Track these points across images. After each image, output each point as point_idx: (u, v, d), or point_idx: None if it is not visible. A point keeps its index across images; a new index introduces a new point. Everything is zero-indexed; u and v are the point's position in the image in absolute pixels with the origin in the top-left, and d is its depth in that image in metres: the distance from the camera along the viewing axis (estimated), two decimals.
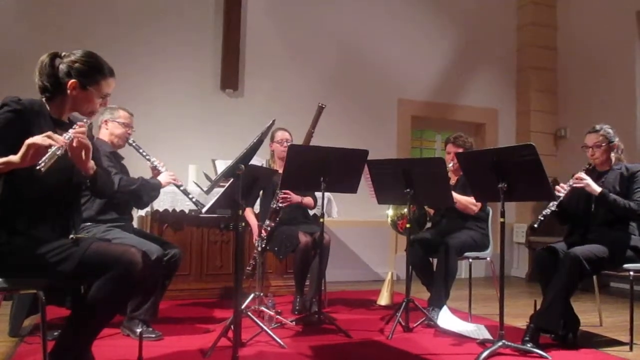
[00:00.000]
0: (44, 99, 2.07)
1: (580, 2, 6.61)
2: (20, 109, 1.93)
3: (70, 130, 1.89)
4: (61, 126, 2.04)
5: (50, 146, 1.76)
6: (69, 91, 2.04)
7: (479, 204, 3.73)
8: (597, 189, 3.09)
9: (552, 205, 3.14)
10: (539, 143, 3.23)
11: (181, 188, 3.30)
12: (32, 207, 1.99)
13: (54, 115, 2.07)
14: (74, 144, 1.88)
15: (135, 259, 2.00)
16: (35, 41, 4.50)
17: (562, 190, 3.14)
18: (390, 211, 4.13)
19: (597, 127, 3.28)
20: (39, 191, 1.97)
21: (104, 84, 2.10)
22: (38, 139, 1.75)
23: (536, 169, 2.78)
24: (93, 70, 2.08)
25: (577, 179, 3.13)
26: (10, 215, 1.96)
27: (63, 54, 2.09)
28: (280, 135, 4.08)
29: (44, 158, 1.74)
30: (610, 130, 3.26)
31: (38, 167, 1.72)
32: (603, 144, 3.24)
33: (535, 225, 3.15)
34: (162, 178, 3.28)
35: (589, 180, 3.11)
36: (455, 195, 3.64)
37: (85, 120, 2.01)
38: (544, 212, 3.14)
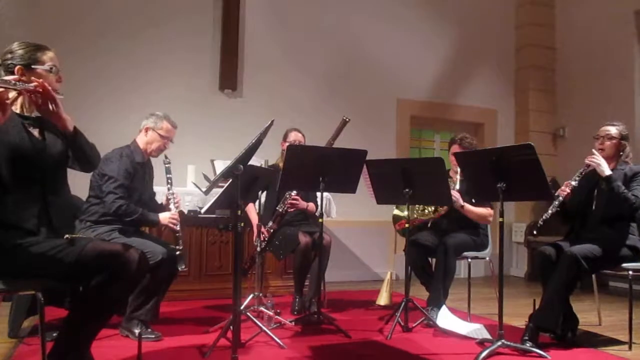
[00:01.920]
0: None
1: (579, 1, 6.61)
2: None
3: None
4: (32, 121, 2.07)
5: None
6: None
7: (492, 212, 3.74)
8: (607, 171, 3.09)
9: (553, 207, 3.18)
10: (537, 143, 3.24)
11: (177, 234, 3.20)
12: (13, 198, 2.00)
13: (20, 113, 2.10)
14: (38, 89, 1.90)
15: (132, 258, 2.01)
16: None
17: (566, 190, 3.18)
18: (404, 212, 3.78)
19: (615, 122, 3.32)
20: (14, 177, 1.99)
21: (46, 58, 2.12)
22: None
23: (535, 169, 2.78)
24: (30, 50, 2.10)
25: (589, 159, 3.15)
26: None
27: None
28: (293, 135, 4.07)
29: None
30: (626, 130, 3.30)
31: None
32: (615, 138, 3.26)
33: (535, 232, 3.21)
34: (162, 216, 3.21)
35: (600, 161, 3.12)
36: (470, 208, 3.65)
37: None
38: (544, 216, 3.18)
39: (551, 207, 3.20)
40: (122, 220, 3.08)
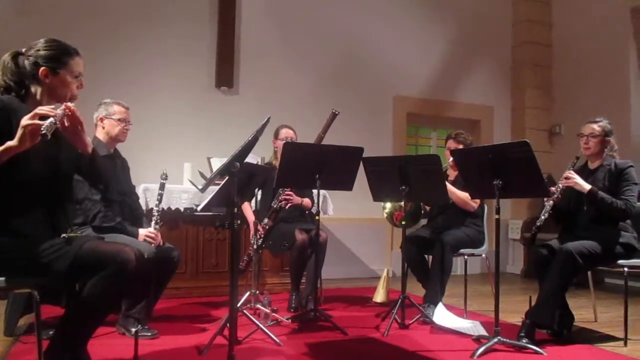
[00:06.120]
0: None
1: None
2: (0, 106, 1.93)
3: (60, 107, 1.89)
4: (43, 120, 2.04)
5: (45, 118, 1.78)
6: (41, 80, 2.05)
7: (478, 201, 3.76)
8: (586, 186, 3.13)
9: (545, 213, 3.25)
10: (533, 140, 3.27)
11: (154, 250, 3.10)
12: (21, 202, 1.98)
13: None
14: (67, 114, 1.89)
15: (129, 257, 2.00)
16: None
17: (555, 192, 3.22)
18: (387, 204, 4.11)
19: (598, 119, 3.33)
20: (26, 180, 1.97)
21: (73, 64, 2.10)
22: (28, 117, 1.78)
23: (531, 166, 2.79)
24: (59, 53, 2.08)
25: (565, 177, 3.19)
26: (0, 214, 1.95)
27: (23, 50, 2.08)
28: (284, 132, 4.06)
29: (44, 125, 1.77)
30: (609, 126, 3.30)
31: (43, 133, 1.75)
32: (599, 136, 3.27)
33: (533, 240, 3.32)
34: (141, 231, 3.12)
35: (577, 179, 3.16)
36: (452, 189, 3.66)
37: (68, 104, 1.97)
38: (537, 223, 3.27)
39: (543, 212, 3.27)
40: (101, 227, 2.99)
